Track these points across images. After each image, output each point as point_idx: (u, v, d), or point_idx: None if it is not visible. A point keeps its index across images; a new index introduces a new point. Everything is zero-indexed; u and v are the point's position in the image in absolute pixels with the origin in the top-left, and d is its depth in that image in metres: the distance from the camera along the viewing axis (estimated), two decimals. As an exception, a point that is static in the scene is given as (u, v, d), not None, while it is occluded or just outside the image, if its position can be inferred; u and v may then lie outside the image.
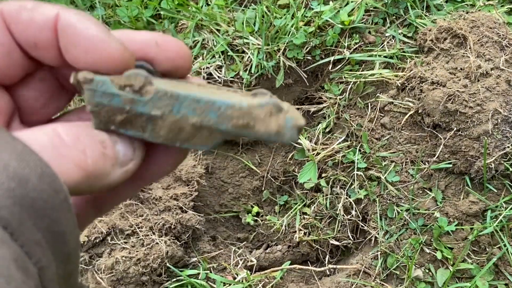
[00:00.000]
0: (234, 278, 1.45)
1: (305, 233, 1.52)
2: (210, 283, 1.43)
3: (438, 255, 1.38)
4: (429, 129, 1.45)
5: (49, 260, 0.27)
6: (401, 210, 1.43)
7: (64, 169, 0.29)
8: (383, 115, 1.52)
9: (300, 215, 1.54)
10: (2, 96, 0.33)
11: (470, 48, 1.40)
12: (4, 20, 0.31)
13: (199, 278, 1.42)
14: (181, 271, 1.41)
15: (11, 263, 0.24)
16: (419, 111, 1.45)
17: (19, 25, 0.31)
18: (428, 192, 1.44)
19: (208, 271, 1.44)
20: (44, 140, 0.29)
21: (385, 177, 1.46)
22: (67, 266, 0.29)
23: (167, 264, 1.38)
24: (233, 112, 0.34)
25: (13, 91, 0.34)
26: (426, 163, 1.45)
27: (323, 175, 1.52)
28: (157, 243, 1.36)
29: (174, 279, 1.40)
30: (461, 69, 1.38)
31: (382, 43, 1.54)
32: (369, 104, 1.53)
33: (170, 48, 0.35)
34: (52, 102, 0.36)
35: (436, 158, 1.44)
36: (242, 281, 1.44)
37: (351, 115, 1.53)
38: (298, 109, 1.59)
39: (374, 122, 1.51)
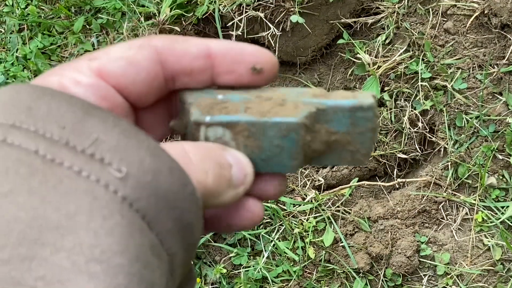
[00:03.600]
0: (303, 199, 1.47)
1: (371, 149, 1.49)
2: (280, 205, 1.46)
3: (512, 161, 1.34)
4: (497, 30, 1.37)
5: (178, 247, 0.30)
6: (471, 118, 1.38)
7: None
8: (446, 19, 1.44)
9: (365, 131, 1.51)
10: (131, 117, 0.37)
11: None
12: (160, 53, 0.34)
13: (269, 201, 1.45)
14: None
15: (148, 250, 0.27)
16: (485, 12, 1.37)
17: (174, 56, 0.35)
18: (498, 96, 1.38)
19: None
20: (173, 155, 0.31)
21: (451, 85, 1.40)
22: (188, 255, 0.32)
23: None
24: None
25: (138, 113, 0.38)
26: (495, 66, 1.38)
27: (386, 88, 1.48)
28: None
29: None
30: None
31: None
32: (430, 9, 1.44)
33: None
34: (165, 125, 0.41)
35: (506, 60, 1.36)
36: (311, 201, 1.45)
37: (412, 23, 1.46)
38: (355, 22, 1.53)
39: (437, 28, 1.44)
